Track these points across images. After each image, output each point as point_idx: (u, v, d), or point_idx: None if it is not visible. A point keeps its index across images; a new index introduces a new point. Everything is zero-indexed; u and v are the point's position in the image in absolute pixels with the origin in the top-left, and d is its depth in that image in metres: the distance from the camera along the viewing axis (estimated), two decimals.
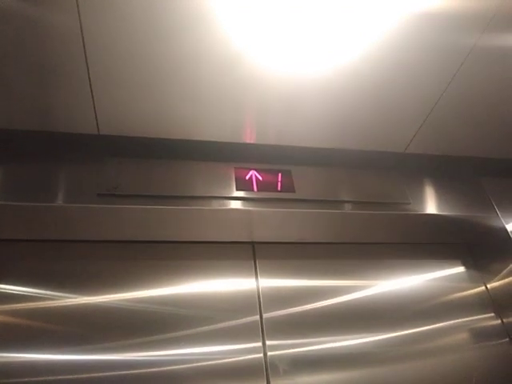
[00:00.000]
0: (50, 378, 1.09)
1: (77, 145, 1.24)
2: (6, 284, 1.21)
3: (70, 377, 1.10)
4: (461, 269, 1.60)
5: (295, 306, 1.35)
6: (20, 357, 1.11)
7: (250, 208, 1.29)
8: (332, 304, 1.39)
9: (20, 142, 1.21)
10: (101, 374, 1.13)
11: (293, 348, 1.27)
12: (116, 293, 1.27)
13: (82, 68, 1.02)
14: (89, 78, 1.05)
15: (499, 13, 1.03)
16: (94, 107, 1.11)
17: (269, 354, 1.24)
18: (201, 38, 0.99)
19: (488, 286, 1.55)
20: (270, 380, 1.20)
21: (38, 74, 1.03)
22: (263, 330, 1.28)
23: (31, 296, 1.21)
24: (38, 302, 1.21)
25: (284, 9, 0.96)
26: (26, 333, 1.15)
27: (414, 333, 1.39)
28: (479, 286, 1.56)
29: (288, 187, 1.34)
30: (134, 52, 1.01)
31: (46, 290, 1.23)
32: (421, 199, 1.45)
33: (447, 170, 1.54)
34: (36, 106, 1.11)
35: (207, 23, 0.97)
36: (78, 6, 0.90)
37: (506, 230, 1.42)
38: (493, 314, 1.50)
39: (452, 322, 1.44)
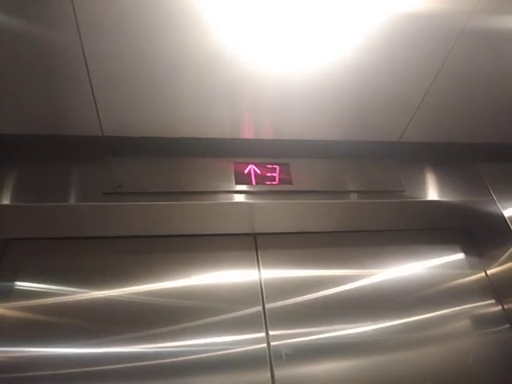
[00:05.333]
0: (64, 371, 1.12)
1: (82, 147, 1.27)
2: (22, 281, 1.26)
3: (84, 369, 1.13)
4: (460, 255, 1.58)
5: (297, 296, 1.36)
6: (35, 351, 1.15)
7: (250, 201, 1.31)
8: (333, 293, 1.40)
9: (30, 146, 1.25)
10: (110, 367, 1.15)
11: (296, 337, 1.28)
12: (124, 286, 1.30)
13: (84, 76, 1.06)
14: (91, 86, 1.09)
15: None
16: (97, 111, 1.15)
17: (272, 343, 1.25)
18: (196, 40, 1.02)
19: (488, 271, 1.53)
20: (274, 369, 1.21)
21: (44, 84, 1.07)
22: (266, 321, 1.29)
23: (45, 292, 1.25)
24: (51, 298, 1.25)
25: (274, 12, 0.99)
26: (40, 328, 1.19)
27: (414, 320, 1.38)
28: (479, 272, 1.54)
29: (286, 180, 1.36)
30: (132, 56, 1.04)
31: (60, 285, 1.26)
32: (416, 186, 1.45)
33: (443, 157, 1.52)
34: (43, 113, 1.15)
35: (202, 26, 0.99)
36: (76, 19, 0.95)
37: (502, 215, 1.41)
38: (493, 301, 1.48)
39: (452, 308, 1.43)
